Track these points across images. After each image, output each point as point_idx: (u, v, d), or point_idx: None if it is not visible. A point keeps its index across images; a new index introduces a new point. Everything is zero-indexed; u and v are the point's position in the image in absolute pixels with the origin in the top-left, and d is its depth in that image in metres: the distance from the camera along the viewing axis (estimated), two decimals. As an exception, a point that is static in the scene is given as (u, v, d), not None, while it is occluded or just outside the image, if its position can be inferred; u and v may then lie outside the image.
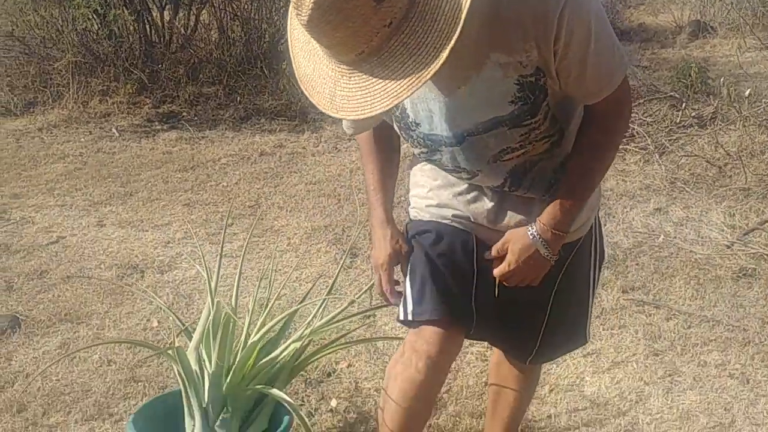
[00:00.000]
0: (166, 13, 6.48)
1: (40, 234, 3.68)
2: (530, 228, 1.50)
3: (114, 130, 5.34)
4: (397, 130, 1.58)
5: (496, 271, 1.56)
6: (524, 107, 1.40)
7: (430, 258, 1.60)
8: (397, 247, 1.63)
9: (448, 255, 1.61)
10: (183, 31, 6.55)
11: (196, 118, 5.68)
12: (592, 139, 1.48)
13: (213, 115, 5.71)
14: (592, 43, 1.35)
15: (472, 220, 1.62)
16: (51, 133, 5.28)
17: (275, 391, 1.93)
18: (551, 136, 1.50)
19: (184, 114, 5.76)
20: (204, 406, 1.96)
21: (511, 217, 1.59)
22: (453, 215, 1.62)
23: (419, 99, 1.44)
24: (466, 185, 1.61)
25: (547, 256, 1.50)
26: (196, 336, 2.01)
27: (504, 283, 1.57)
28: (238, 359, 2.00)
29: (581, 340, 1.83)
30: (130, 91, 5.92)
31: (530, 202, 1.58)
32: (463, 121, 1.44)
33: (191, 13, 6.59)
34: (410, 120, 1.49)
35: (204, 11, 6.65)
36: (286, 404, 1.90)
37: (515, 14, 1.32)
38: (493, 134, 1.45)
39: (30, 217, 3.88)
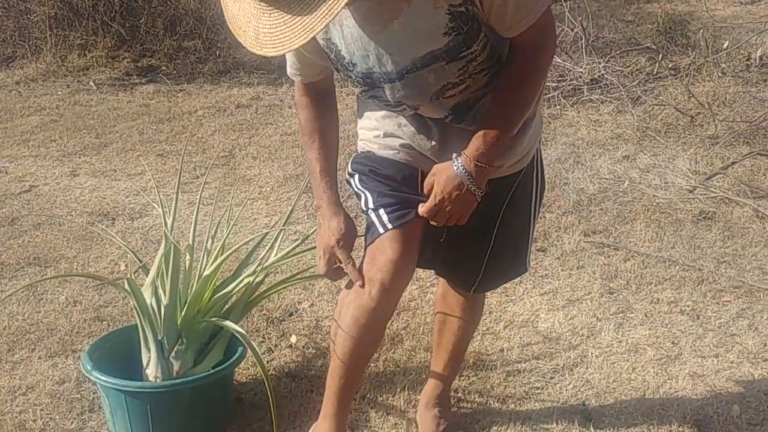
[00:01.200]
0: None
1: (13, 183, 3.70)
2: (455, 161, 1.49)
3: (92, 83, 5.34)
4: (336, 72, 1.59)
5: (422, 209, 1.56)
6: (459, 38, 1.41)
7: (381, 182, 1.65)
8: (349, 226, 1.65)
9: (396, 188, 1.64)
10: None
11: (174, 71, 5.66)
12: (516, 71, 1.48)
13: (192, 69, 5.69)
14: None
15: (417, 149, 1.64)
16: (28, 86, 5.27)
17: (228, 323, 1.98)
18: (490, 68, 1.50)
19: (163, 68, 5.74)
20: (159, 338, 2.01)
21: (455, 151, 1.59)
22: (400, 144, 1.64)
23: (352, 39, 1.45)
24: (410, 117, 1.64)
25: (473, 189, 1.49)
26: (151, 270, 2.06)
27: (432, 222, 1.57)
28: (192, 292, 2.04)
29: (521, 269, 1.88)
30: (109, 45, 5.89)
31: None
32: (400, 58, 1.45)
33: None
34: (346, 61, 1.50)
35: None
36: (239, 336, 1.95)
37: None
38: (432, 69, 1.45)
39: (3, 167, 3.90)
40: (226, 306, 2.11)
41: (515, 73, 1.48)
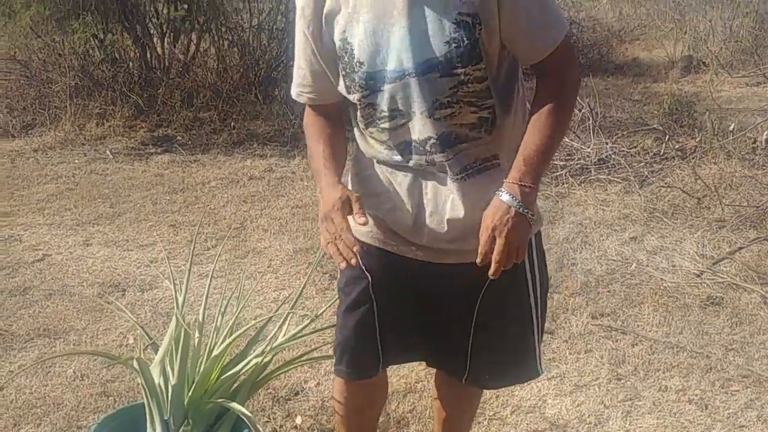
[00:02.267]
0: (166, 39, 6.63)
1: (27, 252, 3.76)
2: (498, 192, 1.46)
3: (108, 152, 5.44)
4: (342, 82, 1.58)
5: (479, 257, 1.47)
6: (457, 50, 1.43)
7: (347, 315, 1.70)
8: (345, 192, 1.54)
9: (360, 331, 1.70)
10: (182, 58, 6.68)
11: (190, 142, 5.78)
12: (551, 91, 1.48)
13: (207, 140, 5.81)
14: None
15: (393, 228, 1.62)
16: (46, 154, 5.38)
17: (235, 405, 1.98)
18: (480, 107, 1.50)
19: (179, 138, 5.86)
20: (166, 418, 2.01)
21: (429, 231, 1.58)
22: (376, 223, 1.63)
23: (366, 35, 1.47)
24: (388, 193, 1.60)
25: (523, 211, 1.43)
26: (161, 350, 2.07)
27: (493, 262, 1.45)
28: (200, 373, 2.05)
29: (530, 372, 1.79)
30: (127, 114, 6.04)
31: (449, 224, 1.56)
32: (405, 57, 1.46)
33: (191, 40, 6.72)
34: (355, 60, 1.50)
35: (204, 40, 6.79)
36: (244, 418, 1.95)
37: None
38: (427, 79, 1.46)
39: (18, 235, 3.96)
40: (234, 386, 2.12)
41: (550, 92, 1.49)
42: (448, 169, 1.53)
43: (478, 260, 1.47)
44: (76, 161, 5.28)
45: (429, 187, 1.56)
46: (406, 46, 1.45)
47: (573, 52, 1.55)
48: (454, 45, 1.43)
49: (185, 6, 6.35)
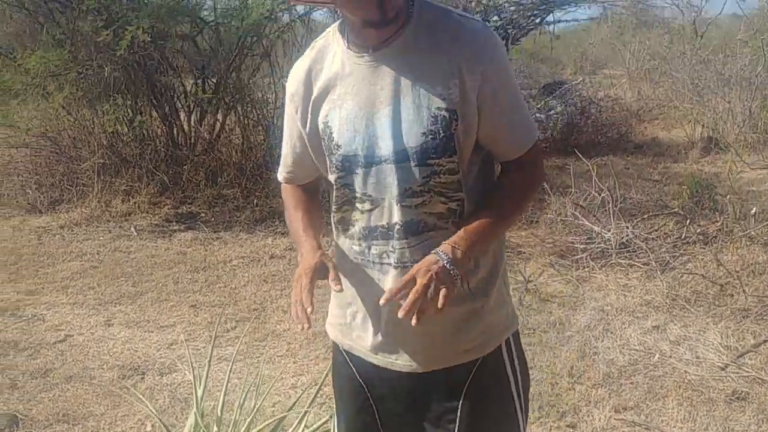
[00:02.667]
0: (193, 117, 6.80)
1: (49, 332, 3.79)
2: (440, 252, 1.47)
3: (133, 229, 5.53)
4: (318, 158, 1.63)
5: (411, 294, 1.42)
6: (433, 142, 1.47)
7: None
8: (322, 259, 1.56)
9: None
10: (208, 136, 6.84)
11: (213, 219, 5.86)
12: (515, 183, 1.56)
13: (230, 217, 5.90)
14: (513, 87, 1.51)
15: (363, 342, 1.64)
16: (72, 231, 5.48)
17: None
18: (450, 198, 1.53)
19: (202, 215, 5.95)
20: None
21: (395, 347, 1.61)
22: (352, 336, 1.66)
23: (347, 120, 1.53)
24: (357, 308, 1.63)
25: (449, 267, 1.44)
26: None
27: (405, 303, 1.42)
28: (217, 470, 2.04)
29: None
30: (152, 191, 6.15)
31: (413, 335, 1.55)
32: (383, 144, 1.50)
33: (217, 118, 6.89)
34: (333, 143, 1.55)
35: (229, 118, 6.96)
36: None
37: (446, 42, 1.47)
38: (401, 167, 1.49)
39: (41, 314, 4.00)
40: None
41: (511, 186, 1.56)
42: (408, 256, 1.54)
43: (383, 299, 1.44)
44: (101, 238, 5.36)
45: (389, 282, 1.56)
46: (385, 134, 1.50)
47: (541, 155, 1.62)
48: (430, 137, 1.48)
49: (212, 86, 6.55)
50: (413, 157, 1.49)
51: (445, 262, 1.45)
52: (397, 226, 1.54)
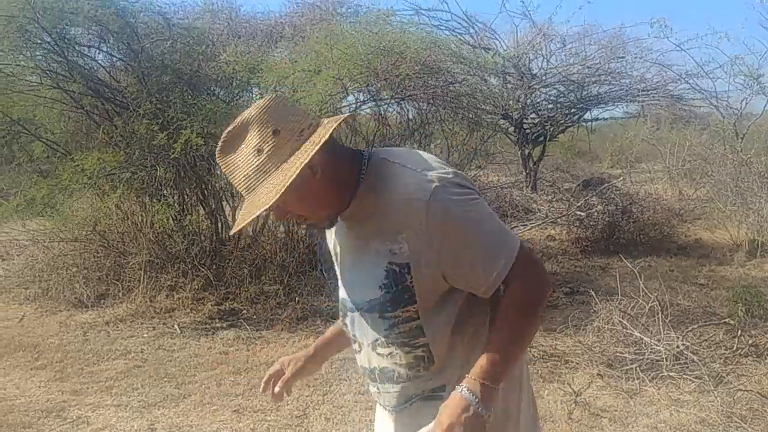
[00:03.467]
0: (237, 212, 6.94)
1: (93, 436, 3.77)
2: (458, 387, 1.48)
3: (176, 326, 5.56)
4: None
5: None
6: (387, 295, 1.56)
7: None
8: (302, 365, 1.89)
9: None
10: (251, 232, 6.94)
11: (255, 316, 5.88)
12: (513, 298, 1.55)
13: (272, 314, 5.91)
14: (465, 229, 1.51)
15: None
16: (117, 327, 5.53)
17: None
18: (413, 347, 1.59)
19: (244, 312, 5.98)
20: None
21: None
22: None
23: (339, 270, 1.73)
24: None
25: (481, 411, 1.44)
26: None
27: None
28: None
29: None
30: (196, 287, 6.22)
31: None
32: (358, 293, 1.64)
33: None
34: (338, 283, 1.74)
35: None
36: None
37: (388, 203, 1.53)
38: (370, 317, 1.61)
39: (86, 416, 3.99)
40: None
41: (511, 302, 1.54)
42: (395, 403, 1.65)
43: None
44: (145, 335, 5.39)
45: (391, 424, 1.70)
46: (354, 287, 1.65)
47: (532, 261, 1.58)
48: (385, 290, 1.56)
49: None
50: (375, 308, 1.59)
51: (478, 407, 1.45)
52: (377, 371, 1.66)
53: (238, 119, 1.54)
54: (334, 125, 1.53)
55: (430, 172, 1.53)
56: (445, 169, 1.57)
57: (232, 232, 1.86)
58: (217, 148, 1.56)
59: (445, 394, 1.55)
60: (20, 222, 7.29)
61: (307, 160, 1.46)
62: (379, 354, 1.62)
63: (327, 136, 1.50)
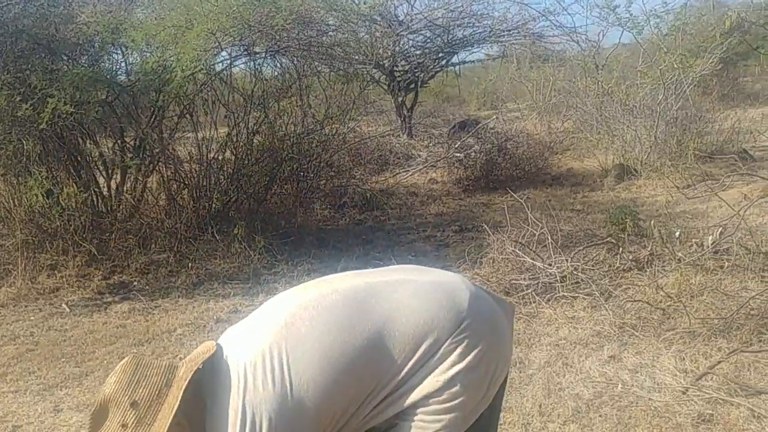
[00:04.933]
0: (113, 182, 6.61)
1: (-5, 425, 3.56)
2: None
3: (64, 305, 5.29)
4: None
5: None
6: None
7: None
8: None
9: None
10: (131, 200, 6.65)
11: (147, 287, 5.68)
12: None
13: (165, 283, 5.73)
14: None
15: None
16: (0, 313, 5.19)
17: None
18: None
19: (135, 283, 5.76)
20: None
21: None
22: None
23: None
24: None
25: None
26: None
27: None
28: None
29: None
30: (79, 263, 5.92)
31: None
32: None
33: (138, 181, 6.71)
34: None
35: (151, 178, 6.80)
36: None
37: None
38: None
39: (-18, 407, 3.75)
40: None
41: None
42: None
43: None
44: (32, 318, 5.10)
45: None
46: None
47: None
48: None
49: (130, 148, 6.40)
50: None
51: None
52: None
53: (98, 399, 1.71)
54: (189, 377, 1.70)
55: None
56: None
57: None
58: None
59: None
60: None
61: (169, 422, 1.64)
62: None
63: (179, 396, 1.67)
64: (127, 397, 1.69)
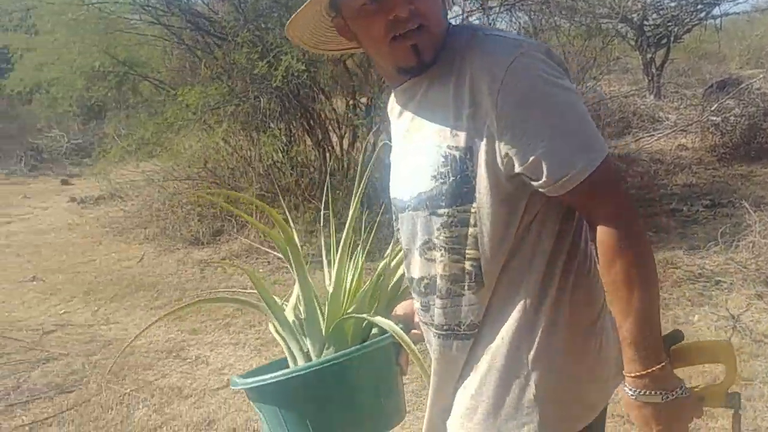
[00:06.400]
0: (345, 140, 6.69)
1: (212, 376, 3.67)
2: (624, 387, 1.25)
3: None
4: None
5: None
6: (442, 187, 1.28)
7: None
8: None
9: None
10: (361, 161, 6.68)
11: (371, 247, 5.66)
12: (601, 246, 1.22)
13: (386, 244, 5.67)
14: (547, 112, 1.19)
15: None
16: (233, 263, 5.45)
17: (375, 318, 1.64)
18: (464, 256, 1.29)
19: (357, 243, 5.77)
20: (305, 350, 1.80)
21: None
22: None
23: (392, 163, 1.45)
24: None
25: (664, 397, 1.21)
26: (292, 297, 1.99)
27: None
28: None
29: None
30: (308, 219, 6.05)
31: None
32: (408, 187, 1.36)
33: (368, 141, 6.73)
34: (388, 183, 1.47)
35: (380, 138, 6.78)
36: (386, 327, 1.56)
37: (466, 66, 1.25)
38: (419, 215, 1.34)
39: (205, 356, 3.91)
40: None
41: (600, 253, 1.23)
42: (444, 321, 1.35)
43: None
44: (261, 270, 5.29)
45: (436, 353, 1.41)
46: (405, 178, 1.38)
47: (616, 182, 1.24)
48: (440, 180, 1.29)
49: (362, 108, 6.40)
50: (426, 204, 1.32)
51: (643, 398, 1.22)
52: (424, 281, 1.39)
53: None
54: None
55: (524, 42, 1.24)
56: (542, 45, 1.26)
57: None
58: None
59: (479, 337, 1.32)
60: (134, 164, 7.35)
61: None
62: (426, 260, 1.35)
63: None
64: None
